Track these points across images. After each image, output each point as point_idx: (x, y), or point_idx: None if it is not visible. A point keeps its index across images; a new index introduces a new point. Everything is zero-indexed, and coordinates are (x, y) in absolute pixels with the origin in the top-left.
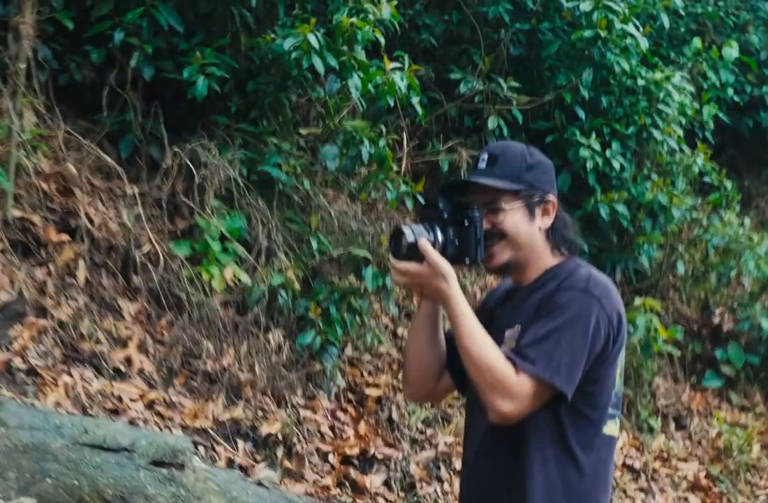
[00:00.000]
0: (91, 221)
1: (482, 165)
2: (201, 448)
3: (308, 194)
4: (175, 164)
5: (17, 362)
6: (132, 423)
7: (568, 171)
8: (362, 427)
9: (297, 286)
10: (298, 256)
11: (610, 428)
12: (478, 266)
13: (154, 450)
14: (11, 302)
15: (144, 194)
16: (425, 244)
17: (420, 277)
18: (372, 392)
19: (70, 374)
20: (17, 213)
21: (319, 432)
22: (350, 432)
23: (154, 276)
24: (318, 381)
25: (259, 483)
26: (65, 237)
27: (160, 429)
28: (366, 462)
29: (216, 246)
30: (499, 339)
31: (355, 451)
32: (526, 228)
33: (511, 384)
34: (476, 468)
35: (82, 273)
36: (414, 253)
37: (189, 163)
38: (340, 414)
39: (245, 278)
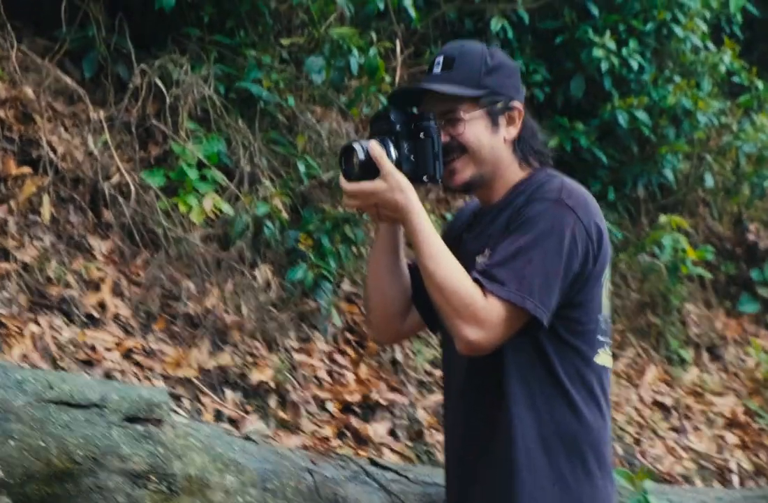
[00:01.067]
0: (54, 150)
1: (437, 70)
2: (185, 400)
3: (293, 111)
4: (144, 83)
5: None
6: (108, 375)
7: (582, 75)
8: (363, 371)
9: (285, 215)
10: (285, 182)
11: (602, 357)
12: (437, 183)
13: (128, 405)
14: None
15: (111, 118)
16: (378, 152)
17: (374, 195)
18: None
19: (37, 323)
20: None
21: (316, 377)
22: (350, 376)
23: (125, 210)
24: (312, 321)
25: (247, 438)
26: (26, 170)
27: (139, 381)
28: (368, 409)
29: (193, 174)
30: (469, 267)
31: (356, 398)
32: (489, 140)
33: (477, 309)
34: (457, 410)
35: (46, 209)
36: (366, 171)
37: (159, 81)
38: (338, 357)
39: (227, 209)
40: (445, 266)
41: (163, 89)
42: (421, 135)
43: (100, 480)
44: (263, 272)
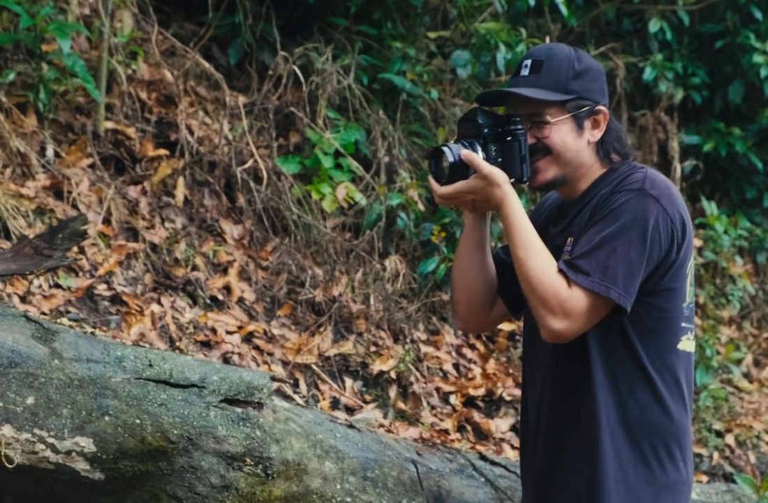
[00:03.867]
0: (192, 134)
1: (525, 72)
2: (302, 386)
3: (436, 105)
4: (286, 70)
5: (101, 289)
6: (225, 358)
7: (741, 80)
8: (491, 365)
9: (420, 207)
10: (423, 174)
11: (685, 343)
12: (524, 184)
13: (227, 387)
14: (69, 220)
15: (251, 104)
16: (470, 154)
17: (472, 192)
18: (503, 326)
19: (159, 303)
20: (110, 125)
21: (441, 370)
22: (477, 370)
23: (258, 196)
24: (443, 314)
25: (351, 426)
26: (163, 152)
27: (258, 365)
28: (492, 404)
29: (328, 162)
30: (556, 260)
31: (481, 392)
32: (574, 143)
33: (562, 300)
34: (539, 393)
35: (180, 192)
36: (456, 173)
37: (299, 70)
38: (466, 351)
39: (360, 198)
40: (536, 256)
41: (301, 78)
42: (509, 138)
43: (194, 460)
44: (393, 263)
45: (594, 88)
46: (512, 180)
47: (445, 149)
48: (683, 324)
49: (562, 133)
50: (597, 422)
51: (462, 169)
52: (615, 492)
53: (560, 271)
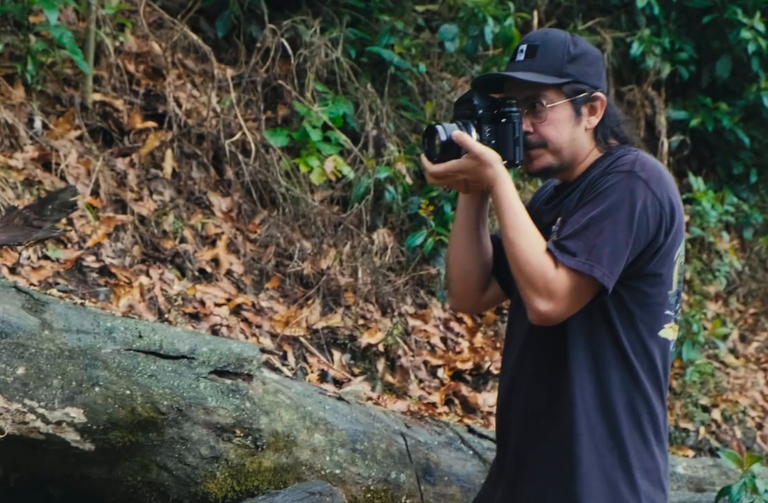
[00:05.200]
0: (180, 106)
1: (520, 57)
2: (291, 358)
3: (424, 78)
4: (274, 43)
5: (90, 260)
6: (214, 329)
7: (729, 55)
8: (478, 339)
9: (408, 180)
10: (411, 147)
11: (667, 331)
12: (516, 167)
13: (217, 358)
14: (59, 191)
15: (239, 77)
16: (461, 135)
17: (463, 172)
18: None
19: (148, 275)
20: (98, 97)
21: (429, 343)
22: (464, 344)
23: (247, 169)
24: (430, 288)
25: (340, 398)
26: (151, 124)
27: (246, 337)
28: (479, 377)
29: (316, 135)
30: (544, 238)
31: (468, 366)
32: (571, 131)
33: (548, 280)
34: (518, 372)
35: (168, 164)
36: (448, 152)
37: (287, 43)
38: (454, 325)
39: (348, 171)
40: (525, 237)
41: (290, 51)
42: (503, 120)
43: (184, 431)
44: (381, 236)
45: (590, 72)
46: (505, 162)
47: (438, 127)
48: (667, 312)
49: (558, 118)
50: (572, 403)
51: (454, 148)
52: (588, 476)
53: (548, 251)
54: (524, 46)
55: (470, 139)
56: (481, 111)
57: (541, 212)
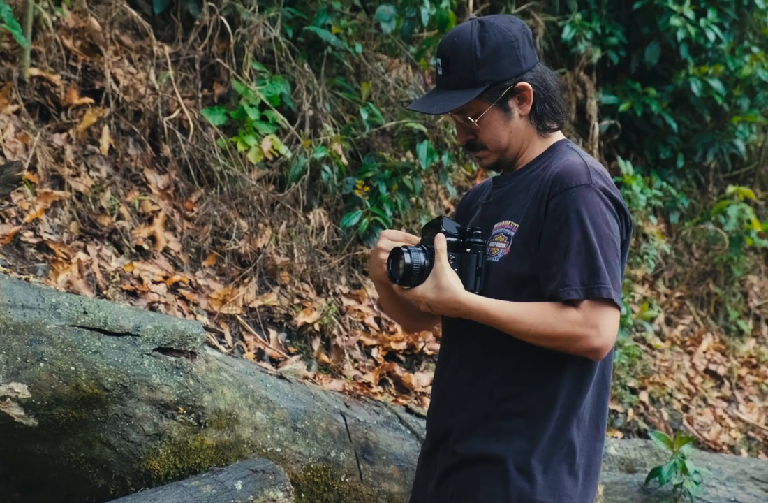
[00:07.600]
0: (117, 82)
1: (440, 72)
2: (228, 337)
3: (360, 59)
4: (212, 21)
5: (27, 236)
6: (152, 307)
7: (658, 41)
8: None
9: (344, 161)
10: (347, 128)
11: None
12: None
13: (161, 335)
14: (4, 167)
15: (176, 54)
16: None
17: (426, 299)
18: None
19: (85, 252)
20: (35, 72)
21: (363, 324)
22: (398, 325)
23: (184, 147)
24: (364, 268)
25: (281, 376)
26: (88, 100)
27: (183, 315)
28: (413, 358)
29: (253, 114)
30: (487, 232)
31: (402, 346)
32: (505, 128)
33: (580, 323)
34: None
35: (105, 141)
36: (409, 276)
37: (226, 21)
38: None
39: (285, 151)
40: (529, 317)
41: (228, 29)
42: (468, 250)
43: (127, 408)
44: (317, 216)
45: (505, 65)
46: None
47: (404, 249)
48: None
49: (490, 122)
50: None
51: (416, 273)
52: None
53: (551, 297)
54: (440, 60)
55: (440, 269)
56: (447, 238)
57: (483, 208)
